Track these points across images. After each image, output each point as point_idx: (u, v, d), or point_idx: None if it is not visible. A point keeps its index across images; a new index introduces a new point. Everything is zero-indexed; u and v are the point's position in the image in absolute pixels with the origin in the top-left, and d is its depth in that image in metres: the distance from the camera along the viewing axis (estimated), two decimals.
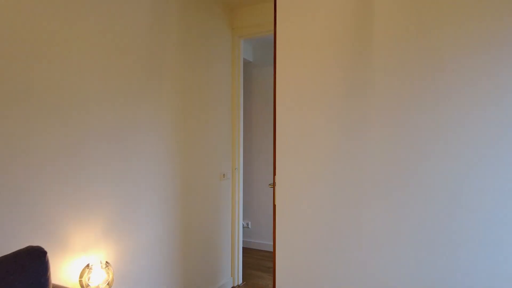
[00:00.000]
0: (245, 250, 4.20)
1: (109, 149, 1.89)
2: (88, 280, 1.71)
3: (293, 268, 1.79)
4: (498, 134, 1.35)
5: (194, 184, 2.60)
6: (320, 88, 1.71)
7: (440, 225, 1.45)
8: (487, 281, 1.37)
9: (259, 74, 4.26)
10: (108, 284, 1.77)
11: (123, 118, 1.98)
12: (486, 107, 1.37)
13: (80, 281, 1.71)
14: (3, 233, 1.41)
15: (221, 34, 2.94)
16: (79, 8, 1.71)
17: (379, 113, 1.56)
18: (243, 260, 3.82)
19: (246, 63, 4.27)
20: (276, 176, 1.84)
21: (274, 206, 1.87)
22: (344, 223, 1.66)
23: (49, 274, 1.29)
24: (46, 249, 1.57)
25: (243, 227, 4.37)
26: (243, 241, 4.36)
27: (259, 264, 3.69)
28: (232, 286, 3.09)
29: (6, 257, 1.21)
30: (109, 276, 1.77)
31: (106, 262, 1.79)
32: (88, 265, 1.75)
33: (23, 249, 1.27)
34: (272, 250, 3.89)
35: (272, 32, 2.93)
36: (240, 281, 3.17)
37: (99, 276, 1.74)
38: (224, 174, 2.99)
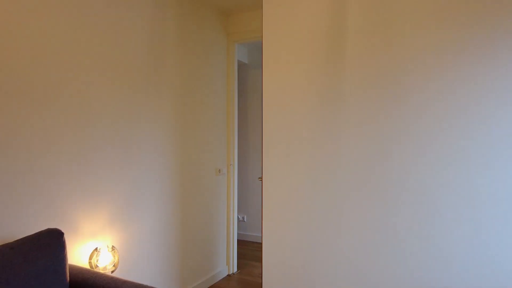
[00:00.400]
0: (241, 242, 4.42)
1: (115, 146, 2.11)
2: (97, 261, 1.94)
3: (278, 252, 2.01)
4: (452, 135, 1.57)
5: (192, 178, 2.82)
6: (300, 93, 1.93)
7: (402, 211, 1.67)
8: (444, 264, 1.59)
9: (253, 75, 4.48)
10: (114, 265, 1.99)
11: (129, 116, 2.20)
12: (439, 112, 1.58)
13: (90, 262, 1.94)
14: (25, 219, 1.63)
15: (216, 39, 3.16)
16: (88, 30, 1.93)
17: (350, 115, 1.78)
18: (239, 251, 4.05)
19: (242, 65, 4.49)
20: (263, 170, 2.06)
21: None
22: (323, 211, 1.88)
23: (66, 252, 1.51)
24: None
25: (239, 220, 4.60)
26: (239, 233, 4.59)
27: (253, 254, 3.92)
28: (227, 273, 3.32)
29: (31, 236, 1.44)
30: (115, 258, 2.00)
31: (112, 246, 2.02)
32: (96, 249, 1.97)
33: (44, 230, 1.50)
34: None
35: None
36: (235, 269, 3.40)
37: (106, 258, 1.96)
38: (219, 170, 3.21)
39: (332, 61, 1.83)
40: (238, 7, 3.15)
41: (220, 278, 3.21)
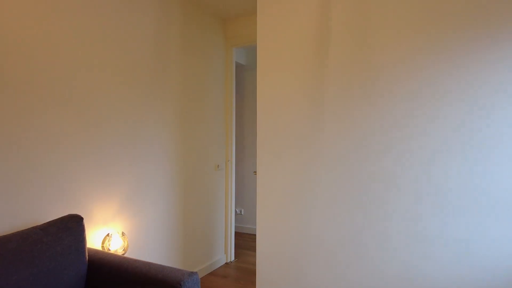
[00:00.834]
0: (239, 234, 4.67)
1: (124, 143, 2.35)
2: (109, 245, 2.18)
3: (271, 240, 2.25)
4: (418, 132, 1.80)
5: (192, 173, 3.06)
6: (290, 94, 2.16)
7: (369, 193, 1.91)
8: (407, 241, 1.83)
9: (250, 76, 4.71)
10: (124, 249, 2.23)
11: (136, 116, 2.43)
12: (408, 110, 1.82)
13: (102, 246, 2.18)
14: (47, 206, 1.87)
15: (216, 43, 3.38)
16: (96, 36, 2.17)
17: (332, 113, 2.01)
18: (237, 242, 4.29)
19: (240, 66, 4.71)
20: (257, 165, 2.30)
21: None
22: (311, 203, 2.12)
23: (85, 234, 1.75)
24: None
25: (237, 214, 4.84)
26: (237, 226, 4.83)
27: (250, 245, 4.17)
28: (225, 262, 3.56)
29: (56, 220, 1.68)
30: (125, 243, 2.24)
31: (122, 232, 2.26)
32: (108, 234, 2.21)
33: (66, 215, 1.74)
34: None
35: None
36: (233, 258, 3.65)
37: (117, 243, 2.20)
38: (218, 165, 3.45)
39: (318, 65, 2.06)
40: (236, 14, 3.37)
41: (219, 266, 3.46)
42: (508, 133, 1.63)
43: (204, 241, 3.23)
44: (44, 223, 1.65)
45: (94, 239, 2.16)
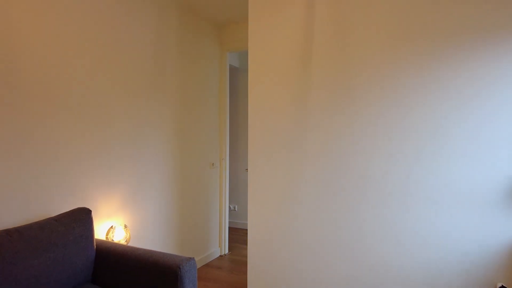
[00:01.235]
0: (233, 229, 4.89)
1: (126, 144, 2.55)
2: (113, 236, 2.38)
3: (261, 231, 2.47)
4: (390, 130, 2.03)
5: (189, 171, 3.27)
6: (277, 100, 2.38)
7: (345, 185, 2.13)
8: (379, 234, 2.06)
9: (243, 78, 4.93)
10: (126, 240, 2.44)
11: (136, 119, 2.64)
12: (379, 110, 2.04)
13: (107, 237, 2.39)
14: (58, 200, 2.07)
15: (211, 48, 3.59)
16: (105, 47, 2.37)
17: (315, 117, 2.24)
18: (231, 236, 4.51)
19: (233, 69, 4.92)
20: (248, 164, 2.52)
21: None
22: (298, 198, 2.34)
23: (93, 225, 1.96)
24: None
25: (231, 210, 5.06)
26: (231, 222, 5.05)
27: (243, 239, 4.39)
28: (220, 254, 3.78)
29: (67, 212, 1.88)
30: (127, 235, 2.44)
31: (125, 225, 2.46)
32: (112, 227, 2.42)
33: (76, 208, 1.94)
34: None
35: None
36: (227, 251, 3.87)
37: (120, 234, 2.41)
38: (213, 164, 3.66)
39: (303, 72, 2.28)
40: (230, 21, 3.58)
41: (214, 258, 3.68)
42: (461, 135, 1.87)
43: (199, 235, 3.45)
44: (58, 215, 1.85)
45: (99, 231, 2.36)
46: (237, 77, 4.96)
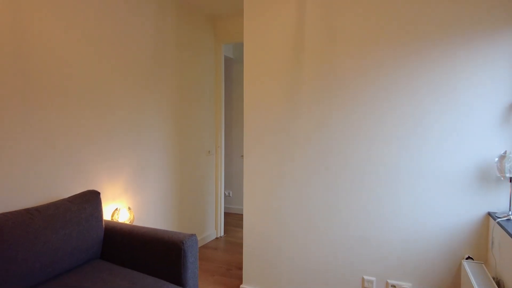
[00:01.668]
0: (227, 214, 5.11)
1: (129, 131, 2.71)
2: (118, 218, 2.57)
3: (256, 213, 2.67)
4: (366, 118, 2.23)
5: (187, 158, 3.45)
6: (271, 92, 2.56)
7: (327, 163, 2.34)
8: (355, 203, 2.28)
9: (237, 68, 5.07)
10: (130, 221, 2.63)
11: (138, 107, 2.79)
12: (362, 103, 2.24)
13: (112, 219, 2.57)
14: (67, 184, 2.24)
15: (207, 40, 3.73)
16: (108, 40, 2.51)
17: (304, 108, 2.42)
18: (226, 220, 4.73)
19: (228, 59, 5.06)
20: (244, 150, 2.70)
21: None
22: (290, 181, 2.54)
23: (102, 206, 2.13)
24: None
25: (226, 196, 5.27)
26: (225, 207, 5.26)
27: (237, 223, 4.61)
28: (216, 236, 4.00)
29: (78, 194, 2.05)
30: (131, 216, 2.63)
31: (129, 207, 2.64)
32: (116, 209, 2.60)
33: (86, 191, 2.11)
34: None
35: None
36: (222, 233, 4.08)
37: (124, 216, 2.59)
38: (209, 151, 3.84)
39: (294, 62, 2.46)
40: (225, 14, 3.72)
41: (210, 240, 3.89)
42: (436, 128, 2.08)
43: (197, 218, 3.65)
44: (70, 196, 2.03)
45: (105, 213, 2.54)
46: (232, 68, 5.11)
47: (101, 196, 2.51)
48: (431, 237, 2.13)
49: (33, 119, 2.02)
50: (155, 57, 2.99)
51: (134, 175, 2.80)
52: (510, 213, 1.83)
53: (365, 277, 2.30)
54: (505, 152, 1.83)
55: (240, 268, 3.17)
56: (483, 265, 1.92)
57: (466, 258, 2.03)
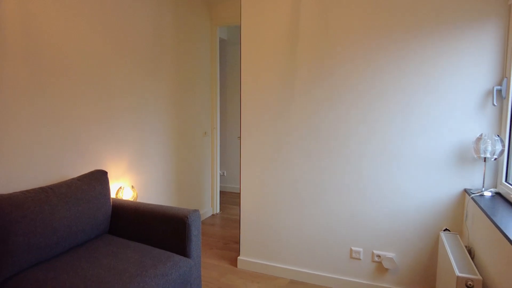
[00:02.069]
0: (222, 193, 5.30)
1: (130, 114, 2.82)
2: (122, 196, 2.71)
3: (252, 190, 2.85)
4: (355, 107, 2.38)
5: (184, 138, 3.58)
6: (267, 77, 2.68)
7: (316, 146, 2.51)
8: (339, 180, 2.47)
9: (232, 50, 5.13)
10: (134, 199, 2.77)
11: (139, 91, 2.89)
12: (353, 91, 2.38)
13: (117, 196, 2.71)
14: (77, 164, 2.36)
15: (202, 24, 3.79)
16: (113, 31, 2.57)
17: (299, 91, 2.56)
18: (221, 198, 4.92)
19: (222, 41, 5.11)
20: (241, 132, 2.84)
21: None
22: (284, 161, 2.70)
23: (109, 184, 2.27)
24: None
25: (221, 175, 5.44)
26: (220, 186, 5.45)
27: (232, 200, 4.81)
28: (212, 213, 4.19)
29: (88, 173, 2.19)
30: (134, 194, 2.78)
31: (132, 185, 2.79)
32: (121, 187, 2.74)
33: (95, 170, 2.25)
34: None
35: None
36: (218, 211, 4.28)
37: (128, 194, 2.74)
38: (205, 132, 3.97)
39: (290, 48, 2.58)
40: None
41: (207, 216, 4.08)
42: (421, 110, 2.24)
43: (194, 196, 3.82)
44: (79, 176, 2.16)
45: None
46: (226, 50, 5.17)
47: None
48: (413, 212, 2.34)
49: (40, 103, 2.12)
50: (155, 43, 3.06)
51: (135, 156, 2.93)
52: (483, 190, 2.04)
53: (353, 248, 2.52)
54: (481, 135, 2.01)
55: (237, 242, 3.37)
56: (458, 235, 2.14)
57: (444, 230, 2.25)
